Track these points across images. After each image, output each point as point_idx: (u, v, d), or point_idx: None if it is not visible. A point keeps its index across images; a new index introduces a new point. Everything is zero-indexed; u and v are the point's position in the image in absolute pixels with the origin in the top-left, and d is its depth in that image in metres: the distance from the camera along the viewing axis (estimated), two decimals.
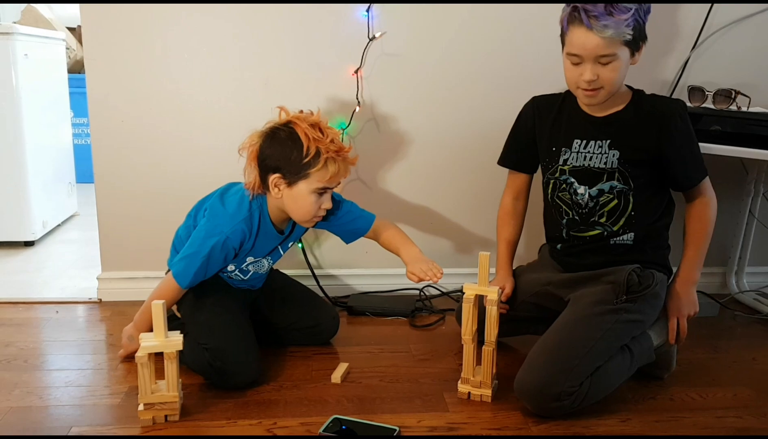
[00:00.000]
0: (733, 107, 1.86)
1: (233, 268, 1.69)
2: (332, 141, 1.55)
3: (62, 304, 2.11)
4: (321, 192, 1.58)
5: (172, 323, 1.57)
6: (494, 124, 2.11)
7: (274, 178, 1.57)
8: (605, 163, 1.56)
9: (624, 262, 1.57)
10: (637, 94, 1.58)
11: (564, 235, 1.66)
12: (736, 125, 1.81)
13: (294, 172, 1.55)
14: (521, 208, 1.79)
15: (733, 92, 1.85)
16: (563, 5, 1.50)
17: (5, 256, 2.63)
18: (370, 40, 2.01)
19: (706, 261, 2.26)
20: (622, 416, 1.47)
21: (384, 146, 2.13)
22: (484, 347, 1.51)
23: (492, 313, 1.49)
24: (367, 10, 1.99)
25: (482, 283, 1.50)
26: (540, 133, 1.67)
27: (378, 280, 2.22)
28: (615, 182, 1.57)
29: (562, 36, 1.52)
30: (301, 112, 1.62)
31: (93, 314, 2.05)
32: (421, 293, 2.20)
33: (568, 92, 1.63)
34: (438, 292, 2.22)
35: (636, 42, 1.47)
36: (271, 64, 2.03)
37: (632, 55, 1.49)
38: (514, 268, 1.79)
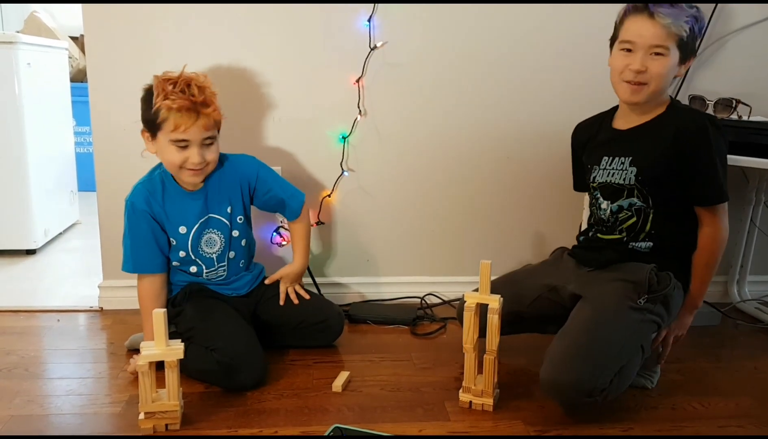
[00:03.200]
0: (734, 116, 1.86)
1: (184, 254, 1.70)
2: (180, 92, 1.56)
3: (64, 312, 2.11)
4: (180, 145, 1.59)
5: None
6: (498, 132, 2.12)
7: (142, 131, 1.65)
8: (624, 180, 1.58)
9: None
10: (671, 107, 1.58)
11: (590, 235, 1.70)
12: (736, 134, 1.81)
13: (150, 125, 1.61)
14: None
15: (734, 101, 1.86)
16: (615, 5, 1.57)
17: (7, 264, 2.63)
18: (372, 49, 2.02)
19: None
20: (624, 426, 1.47)
21: (385, 154, 2.13)
22: (485, 356, 1.51)
23: (493, 322, 1.49)
24: (369, 20, 2.00)
25: (483, 291, 1.50)
26: (582, 154, 1.74)
27: (379, 288, 2.22)
28: (635, 199, 1.58)
29: (616, 29, 1.57)
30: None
31: (94, 322, 2.05)
32: (423, 302, 2.20)
33: (608, 112, 1.68)
34: (439, 300, 2.22)
35: (687, 47, 1.51)
36: (272, 73, 2.04)
37: (681, 60, 1.52)
38: (520, 266, 1.83)
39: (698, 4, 1.52)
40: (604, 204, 1.63)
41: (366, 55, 2.03)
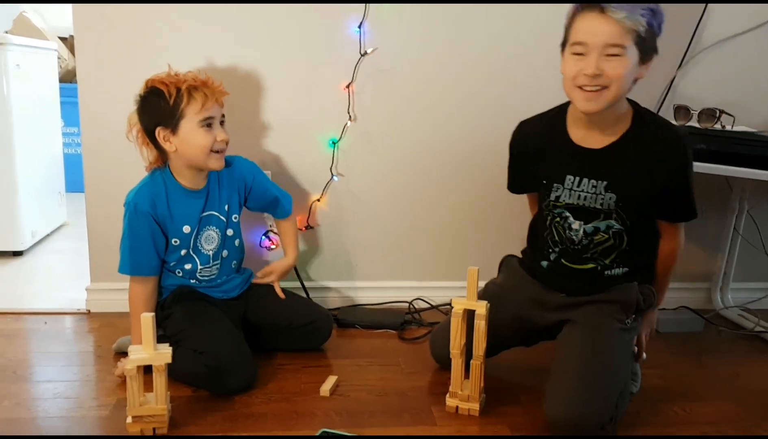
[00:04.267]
0: (718, 126, 1.89)
1: (185, 252, 1.72)
2: (193, 78, 1.63)
3: (51, 315, 2.11)
4: (206, 124, 1.63)
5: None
6: (486, 139, 2.14)
7: (159, 132, 1.64)
8: (601, 205, 1.50)
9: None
10: (637, 119, 1.46)
11: (552, 259, 1.60)
12: (720, 144, 1.84)
13: (170, 118, 1.62)
14: None
15: (718, 111, 1.89)
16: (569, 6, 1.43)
17: None
18: (362, 55, 2.04)
19: (691, 276, 2.33)
20: (606, 431, 1.49)
21: (375, 160, 2.14)
22: (472, 362, 1.53)
23: (480, 327, 1.50)
24: (359, 26, 2.01)
25: (471, 297, 1.52)
26: (531, 162, 1.59)
27: (367, 292, 2.23)
28: (613, 222, 1.51)
29: (567, 31, 1.42)
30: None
31: (81, 325, 2.04)
32: (411, 307, 2.22)
33: (557, 114, 1.55)
34: (427, 305, 2.23)
35: (646, 44, 1.36)
36: (263, 78, 2.05)
37: (641, 60, 1.37)
38: (482, 286, 1.70)
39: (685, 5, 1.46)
40: (576, 224, 1.53)
41: (356, 61, 2.04)
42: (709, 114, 1.90)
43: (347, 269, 2.22)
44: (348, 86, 2.06)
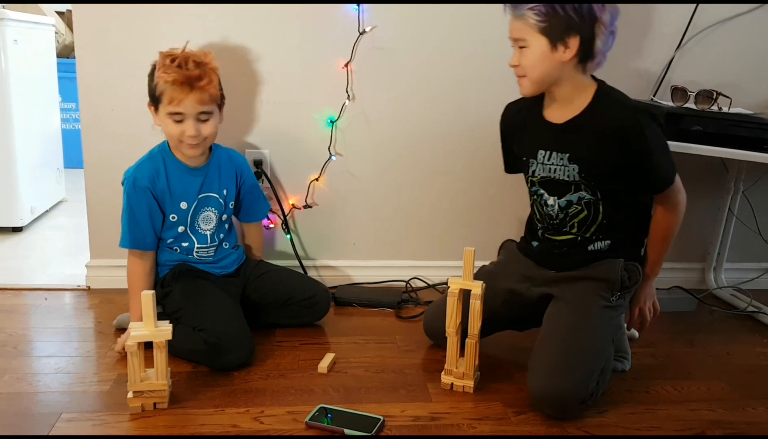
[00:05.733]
0: (715, 108, 1.90)
1: (183, 229, 1.74)
2: (177, 67, 1.62)
3: (51, 290, 2.13)
4: (176, 119, 1.64)
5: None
6: (484, 119, 2.12)
7: (148, 103, 1.70)
8: (568, 176, 1.55)
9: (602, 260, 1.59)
10: (597, 95, 1.52)
11: (540, 236, 1.67)
12: (716, 126, 1.85)
13: (152, 99, 1.68)
14: None
15: (715, 93, 1.89)
16: None
17: None
18: (361, 34, 2.03)
19: (685, 256, 2.34)
20: (598, 408, 1.52)
21: (373, 139, 2.15)
22: (467, 340, 1.55)
23: (475, 307, 1.52)
24: (358, 5, 2.00)
25: (467, 277, 1.54)
26: (512, 142, 1.69)
27: (365, 271, 2.25)
28: (583, 193, 1.56)
29: None
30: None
31: (81, 301, 2.07)
32: (408, 285, 2.24)
33: (534, 98, 1.61)
34: (424, 284, 2.26)
35: (554, 33, 1.44)
36: (261, 56, 2.05)
37: (554, 47, 1.45)
38: (477, 269, 1.67)
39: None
40: (551, 200, 1.59)
41: (355, 40, 2.04)
42: (706, 96, 1.90)
43: (345, 247, 2.24)
44: (346, 65, 2.06)
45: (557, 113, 1.57)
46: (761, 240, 2.30)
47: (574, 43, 1.45)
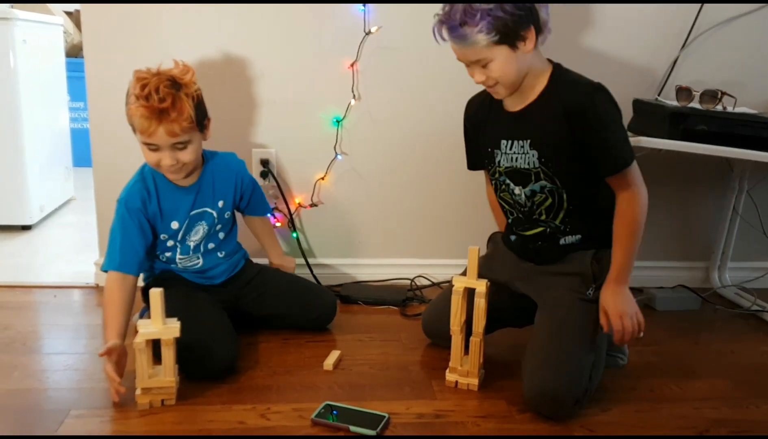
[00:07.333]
0: (719, 107, 1.90)
1: (172, 244, 1.71)
2: (144, 98, 1.51)
3: (59, 288, 2.15)
4: (150, 148, 1.58)
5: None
6: None
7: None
8: (529, 164, 1.55)
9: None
10: (552, 79, 1.51)
11: (513, 230, 1.68)
12: (721, 125, 1.85)
13: (131, 125, 1.59)
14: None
15: (719, 93, 1.89)
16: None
17: (3, 239, 2.66)
18: (366, 34, 2.04)
19: (689, 255, 2.34)
20: (602, 406, 1.53)
21: (379, 138, 2.16)
22: (471, 338, 1.56)
23: (480, 305, 1.53)
24: (364, 5, 2.01)
25: (471, 276, 1.55)
26: (477, 136, 1.67)
27: (370, 269, 2.27)
28: (544, 182, 1.55)
29: None
30: (179, 64, 1.62)
31: (90, 298, 2.09)
32: (413, 283, 2.25)
33: None
34: (429, 282, 2.27)
35: (509, 38, 1.41)
36: (268, 55, 2.06)
37: (514, 47, 1.43)
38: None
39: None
40: (517, 189, 1.59)
41: (361, 40, 2.05)
42: (711, 95, 1.90)
43: (350, 246, 2.25)
44: (352, 65, 2.07)
45: (516, 101, 1.55)
46: (766, 239, 2.29)
47: (530, 33, 1.44)
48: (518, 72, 1.48)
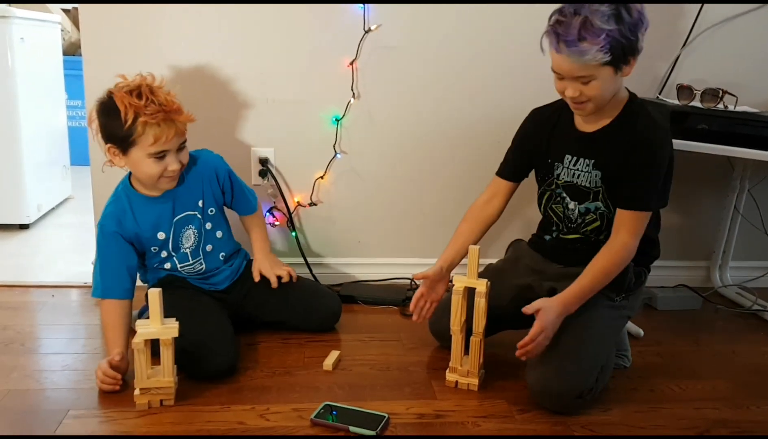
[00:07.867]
0: (720, 106, 1.89)
1: (166, 254, 1.70)
2: (151, 103, 1.51)
3: (58, 288, 2.14)
4: (158, 156, 1.56)
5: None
6: (489, 117, 2.14)
7: (108, 148, 1.58)
8: (590, 183, 1.57)
9: None
10: (629, 107, 1.54)
11: (554, 235, 1.68)
12: (722, 124, 1.85)
13: (122, 141, 1.55)
14: (491, 210, 1.73)
15: (721, 91, 1.89)
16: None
17: (0, 239, 2.65)
18: (366, 32, 2.03)
19: (690, 255, 2.34)
20: (604, 406, 1.52)
21: (378, 137, 2.15)
22: (471, 338, 1.55)
23: (480, 305, 1.53)
24: (363, 3, 2.00)
25: (471, 275, 1.54)
26: (538, 146, 1.66)
27: (370, 269, 2.26)
28: (600, 203, 1.58)
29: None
30: (139, 76, 1.59)
31: (88, 298, 2.07)
32: (412, 283, 2.24)
33: (564, 105, 1.60)
34: None
35: (618, 60, 1.42)
36: (267, 54, 2.05)
37: (617, 71, 1.44)
38: (483, 267, 1.71)
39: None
40: (572, 204, 1.62)
41: (360, 38, 2.04)
42: (712, 94, 1.89)
43: (350, 245, 2.25)
44: (352, 63, 2.06)
45: (588, 122, 1.57)
46: (767, 238, 2.29)
47: (634, 60, 1.46)
48: (611, 94, 1.50)
